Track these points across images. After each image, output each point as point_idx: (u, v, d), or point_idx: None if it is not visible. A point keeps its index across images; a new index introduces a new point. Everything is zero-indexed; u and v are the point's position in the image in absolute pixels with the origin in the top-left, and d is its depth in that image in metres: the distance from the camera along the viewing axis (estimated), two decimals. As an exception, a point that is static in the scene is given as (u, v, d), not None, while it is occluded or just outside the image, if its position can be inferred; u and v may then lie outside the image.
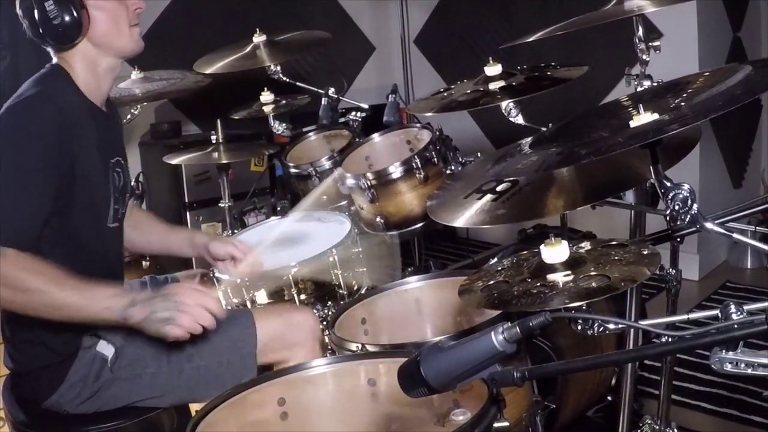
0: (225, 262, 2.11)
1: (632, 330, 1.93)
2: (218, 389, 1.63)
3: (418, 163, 2.27)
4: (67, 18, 1.71)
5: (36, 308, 1.58)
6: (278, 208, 2.66)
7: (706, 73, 1.42)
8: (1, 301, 1.56)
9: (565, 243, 1.39)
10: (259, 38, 2.89)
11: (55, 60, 1.80)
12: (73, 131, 1.68)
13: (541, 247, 1.40)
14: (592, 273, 1.34)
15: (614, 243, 1.47)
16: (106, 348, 1.79)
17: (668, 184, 1.27)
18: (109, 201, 1.82)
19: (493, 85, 2.11)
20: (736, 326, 0.97)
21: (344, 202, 2.61)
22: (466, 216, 1.63)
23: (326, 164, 2.60)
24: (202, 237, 2.17)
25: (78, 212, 1.72)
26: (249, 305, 2.18)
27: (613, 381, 2.45)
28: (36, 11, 1.71)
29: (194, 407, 1.96)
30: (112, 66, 1.84)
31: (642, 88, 1.86)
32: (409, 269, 2.97)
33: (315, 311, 2.15)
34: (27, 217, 1.60)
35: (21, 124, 1.65)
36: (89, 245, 1.78)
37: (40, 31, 1.73)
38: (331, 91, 2.99)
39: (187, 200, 3.72)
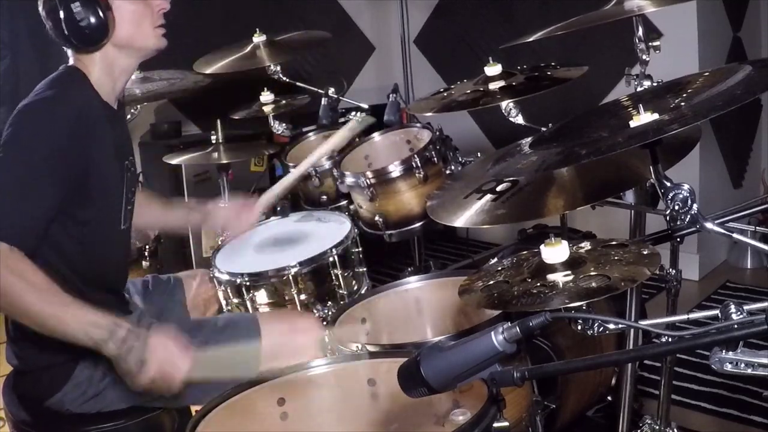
0: (228, 221, 2.16)
1: (632, 330, 1.93)
2: (218, 391, 1.62)
3: (418, 162, 2.27)
4: (93, 20, 1.68)
5: (17, 313, 1.55)
6: (278, 208, 2.65)
7: (706, 73, 1.42)
8: None
9: (565, 243, 1.39)
10: (259, 38, 2.89)
11: (71, 61, 1.77)
12: (90, 134, 1.67)
13: (541, 247, 1.40)
14: (592, 273, 1.34)
15: (614, 243, 1.47)
16: None
17: (668, 184, 1.27)
18: (122, 202, 1.82)
19: (493, 85, 2.11)
20: (736, 326, 0.97)
21: (344, 202, 2.61)
22: (466, 216, 1.63)
23: (326, 164, 2.60)
24: (196, 214, 2.20)
25: (93, 214, 1.71)
26: (249, 305, 2.18)
27: (613, 381, 2.45)
28: (61, 12, 1.68)
29: (195, 407, 1.96)
30: (129, 67, 1.83)
31: (642, 88, 1.86)
32: (409, 269, 2.98)
33: (315, 311, 2.16)
34: (27, 216, 1.58)
35: (33, 125, 1.63)
36: (102, 247, 1.78)
37: (66, 32, 1.69)
38: (331, 91, 2.99)
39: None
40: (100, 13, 1.69)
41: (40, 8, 1.73)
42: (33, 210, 1.59)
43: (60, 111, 1.65)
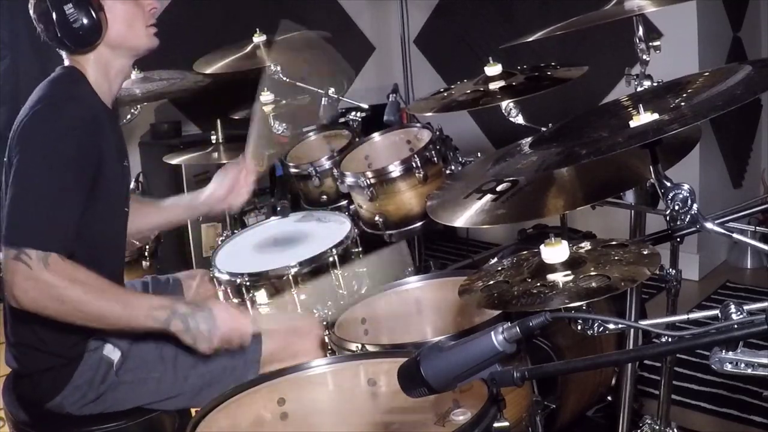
0: (230, 194, 2.20)
1: (632, 330, 1.93)
2: (219, 392, 1.62)
3: (418, 162, 2.27)
4: (86, 21, 1.69)
5: (79, 318, 1.59)
6: (278, 208, 2.66)
7: (706, 73, 1.42)
8: (47, 310, 1.56)
9: (565, 243, 1.39)
10: (259, 38, 2.89)
11: (67, 62, 1.77)
12: (99, 132, 1.68)
13: (541, 247, 1.40)
14: (592, 273, 1.34)
15: (614, 243, 1.47)
16: (112, 352, 1.78)
17: (668, 184, 1.27)
18: (123, 204, 1.82)
19: (493, 85, 2.11)
20: (736, 326, 0.97)
21: (344, 202, 2.61)
22: (466, 216, 1.63)
23: (326, 164, 2.60)
24: (198, 198, 2.24)
25: (97, 214, 1.71)
26: (249, 305, 2.18)
27: (613, 381, 2.45)
28: (54, 14, 1.68)
29: (194, 407, 1.96)
30: (124, 68, 1.83)
31: (642, 88, 1.86)
32: (409, 269, 2.98)
33: (315, 311, 2.16)
34: (66, 220, 1.59)
35: (53, 127, 1.63)
36: (102, 246, 1.78)
37: (58, 34, 1.70)
38: (331, 91, 2.99)
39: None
40: (93, 14, 1.69)
41: (31, 11, 1.73)
42: (70, 212, 1.60)
43: (73, 110, 1.66)
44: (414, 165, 2.27)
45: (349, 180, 2.38)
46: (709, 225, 1.26)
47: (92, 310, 1.58)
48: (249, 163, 2.24)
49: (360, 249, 2.35)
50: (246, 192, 2.23)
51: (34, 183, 1.59)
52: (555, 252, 1.38)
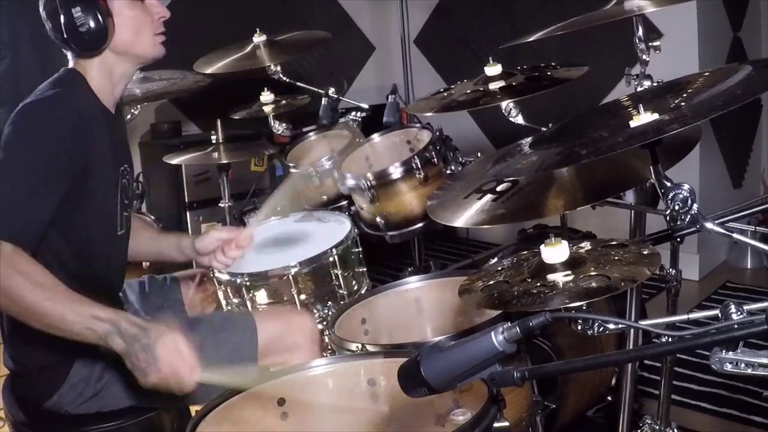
0: (216, 252, 2.05)
1: (632, 330, 1.93)
2: (218, 392, 1.63)
3: (418, 163, 2.27)
4: (93, 25, 1.69)
5: (15, 311, 1.52)
6: (278, 208, 2.66)
7: (706, 73, 1.42)
8: None
9: (565, 243, 1.39)
10: (259, 38, 2.89)
11: (71, 63, 1.78)
12: (89, 135, 1.67)
13: (541, 247, 1.40)
14: (592, 273, 1.34)
15: (614, 243, 1.47)
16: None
17: (668, 184, 1.27)
18: (117, 208, 1.81)
19: (493, 85, 2.11)
20: (736, 326, 0.97)
21: (344, 202, 2.61)
22: (466, 216, 1.63)
23: (326, 164, 2.60)
24: (187, 239, 2.10)
25: (89, 218, 1.71)
26: (249, 305, 2.18)
27: (613, 381, 2.45)
28: (62, 16, 1.68)
29: (194, 407, 1.96)
30: (128, 72, 1.83)
31: (642, 88, 1.86)
32: (409, 269, 2.98)
33: (315, 311, 2.16)
34: (30, 214, 1.57)
35: (36, 123, 1.63)
36: (99, 251, 1.77)
37: (65, 36, 1.70)
38: (331, 91, 2.99)
39: (187, 200, 3.72)
40: (100, 19, 1.69)
41: (41, 9, 1.73)
42: (36, 209, 1.58)
43: (61, 111, 1.65)
44: (414, 166, 2.27)
45: (350, 182, 2.38)
46: (709, 225, 1.26)
47: (26, 303, 1.49)
48: (243, 238, 2.09)
49: (360, 249, 2.35)
50: (225, 263, 2.09)
51: (8, 175, 1.58)
52: (555, 252, 1.38)
